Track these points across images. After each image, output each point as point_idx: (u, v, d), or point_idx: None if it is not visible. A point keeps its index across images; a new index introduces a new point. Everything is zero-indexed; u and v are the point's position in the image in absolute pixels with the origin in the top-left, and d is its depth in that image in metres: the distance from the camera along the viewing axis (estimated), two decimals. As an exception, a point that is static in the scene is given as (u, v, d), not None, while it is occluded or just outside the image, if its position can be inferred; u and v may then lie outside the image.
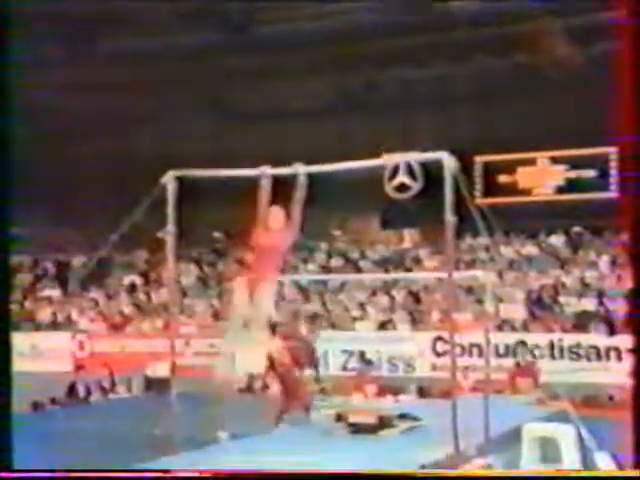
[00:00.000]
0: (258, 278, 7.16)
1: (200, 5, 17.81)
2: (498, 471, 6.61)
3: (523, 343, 13.73)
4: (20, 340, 17.41)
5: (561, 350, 14.23)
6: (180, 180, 7.78)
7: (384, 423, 8.16)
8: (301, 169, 7.21)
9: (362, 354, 14.88)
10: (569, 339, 14.34)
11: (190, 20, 18.40)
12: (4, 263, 4.68)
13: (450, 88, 18.73)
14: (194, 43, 18.60)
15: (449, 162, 7.06)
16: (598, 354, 13.95)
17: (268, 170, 7.27)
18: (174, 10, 18.28)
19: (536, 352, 13.59)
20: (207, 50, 18.56)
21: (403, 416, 8.57)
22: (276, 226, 7.13)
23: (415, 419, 8.57)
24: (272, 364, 9.12)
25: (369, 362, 14.63)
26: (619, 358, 13.47)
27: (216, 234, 21.07)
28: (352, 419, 8.21)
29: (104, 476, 4.82)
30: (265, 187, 7.23)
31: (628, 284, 4.66)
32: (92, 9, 17.69)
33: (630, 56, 4.54)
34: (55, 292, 19.96)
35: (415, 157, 17.04)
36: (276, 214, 7.15)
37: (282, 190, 7.33)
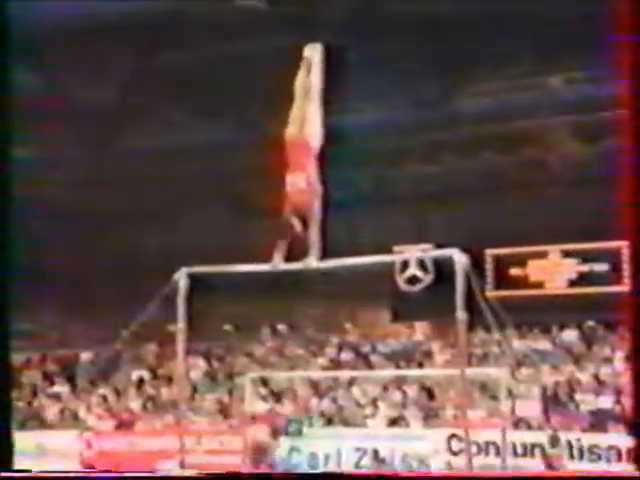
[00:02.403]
0: None
1: (214, 103, 18.26)
2: (498, 471, 6.35)
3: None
4: (26, 439, 17.11)
5: (580, 450, 13.81)
6: (191, 275, 7.80)
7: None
8: (313, 263, 7.23)
9: (375, 452, 14.54)
10: (587, 439, 13.95)
11: (203, 118, 18.84)
12: (5, 362, 4.67)
13: (459, 183, 18.94)
14: (207, 139, 18.97)
15: (460, 258, 7.07)
16: (619, 455, 13.51)
17: (280, 265, 7.29)
18: (188, 107, 18.75)
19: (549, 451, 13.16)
20: (220, 146, 18.92)
21: None
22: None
23: None
24: None
25: (382, 460, 14.29)
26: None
27: (226, 327, 20.97)
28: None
29: (104, 476, 4.73)
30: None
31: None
32: (105, 107, 18.17)
33: (632, 152, 4.63)
34: (63, 389, 19.74)
35: (426, 254, 17.22)
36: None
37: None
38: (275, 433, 14.39)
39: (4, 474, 4.42)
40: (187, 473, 5.01)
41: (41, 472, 4.70)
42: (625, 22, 4.82)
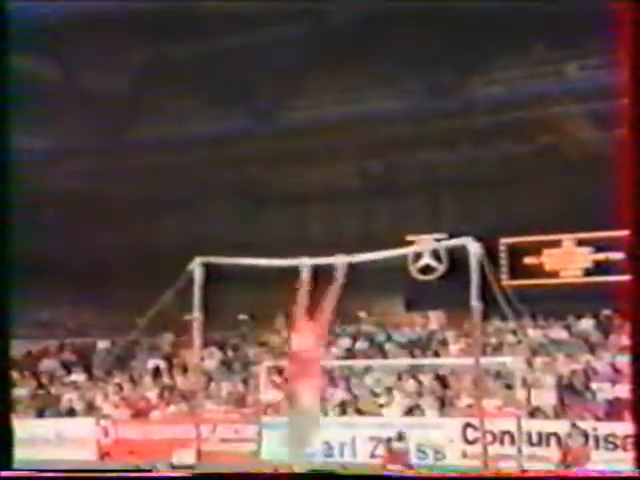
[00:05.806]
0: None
1: (227, 92, 18.28)
2: (498, 471, 6.38)
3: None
4: (44, 427, 17.27)
5: (596, 439, 13.74)
6: (206, 265, 7.84)
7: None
8: (340, 260, 7.18)
9: (389, 441, 14.54)
10: (603, 428, 13.89)
11: (217, 107, 18.86)
12: (4, 352, 4.74)
13: (474, 171, 18.88)
14: (221, 130, 18.99)
15: (473, 247, 7.07)
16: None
17: (306, 261, 7.28)
18: (202, 97, 18.78)
19: (569, 442, 13.04)
20: (235, 136, 18.93)
21: None
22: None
23: None
24: None
25: (397, 450, 14.26)
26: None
27: (241, 317, 21.04)
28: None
29: (103, 476, 4.77)
30: (304, 278, 7.25)
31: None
32: (121, 98, 18.24)
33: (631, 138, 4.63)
34: (80, 377, 19.89)
35: (440, 243, 17.19)
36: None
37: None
38: None
39: (4, 474, 4.46)
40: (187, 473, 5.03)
41: (41, 471, 4.73)
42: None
